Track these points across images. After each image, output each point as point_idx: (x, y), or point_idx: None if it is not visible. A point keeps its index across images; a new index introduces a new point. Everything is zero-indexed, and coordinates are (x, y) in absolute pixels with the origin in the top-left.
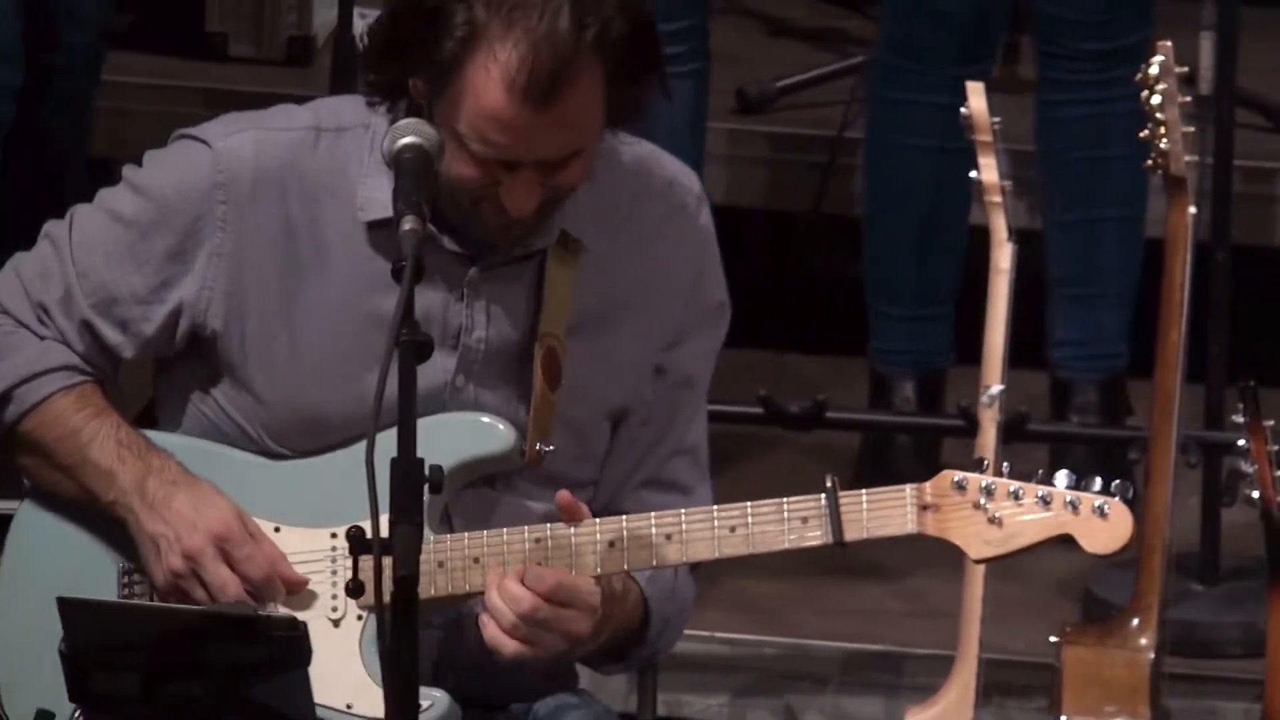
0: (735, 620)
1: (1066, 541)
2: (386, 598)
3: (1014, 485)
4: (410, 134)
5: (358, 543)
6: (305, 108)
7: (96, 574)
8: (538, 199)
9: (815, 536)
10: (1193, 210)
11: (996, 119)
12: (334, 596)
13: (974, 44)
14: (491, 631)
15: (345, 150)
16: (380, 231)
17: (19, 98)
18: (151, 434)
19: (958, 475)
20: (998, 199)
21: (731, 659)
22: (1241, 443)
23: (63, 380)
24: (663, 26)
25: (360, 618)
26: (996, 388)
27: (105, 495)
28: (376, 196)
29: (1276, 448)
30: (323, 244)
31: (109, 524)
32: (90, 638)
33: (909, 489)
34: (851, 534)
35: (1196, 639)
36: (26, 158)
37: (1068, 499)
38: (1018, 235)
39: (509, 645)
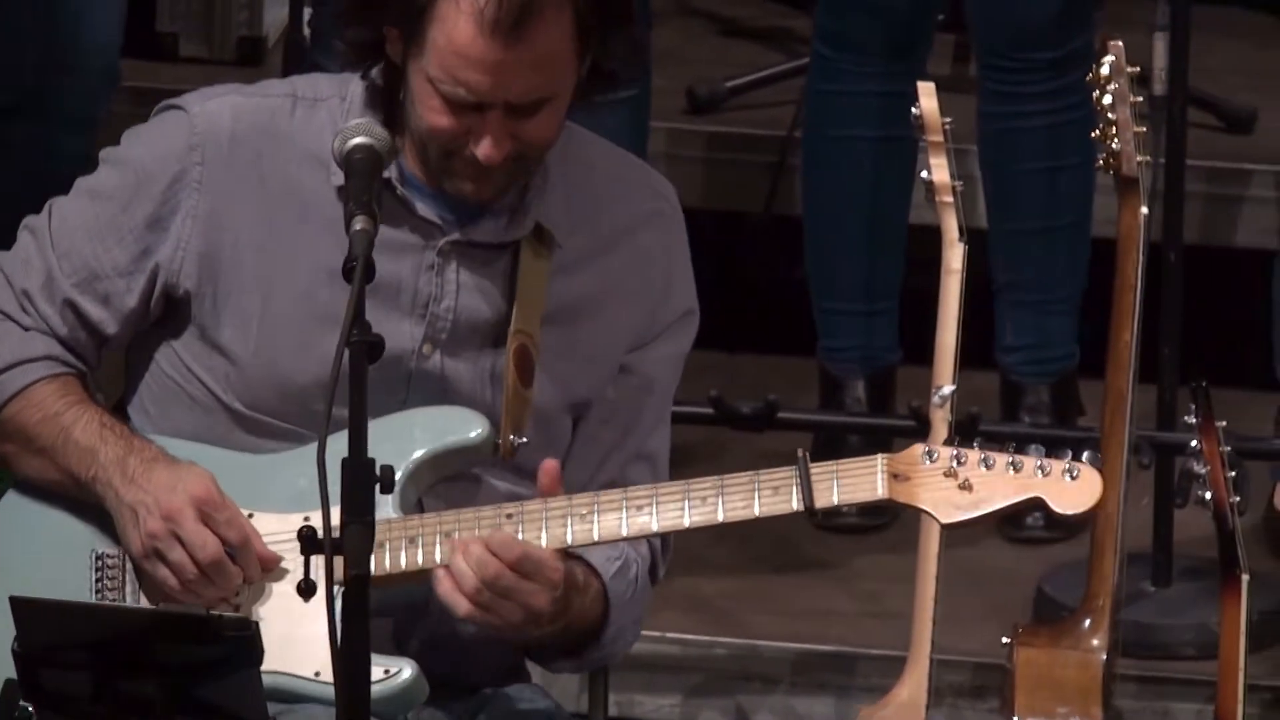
0: (687, 620)
1: (1021, 542)
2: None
3: (984, 454)
4: (360, 135)
5: (308, 542)
6: (283, 80)
7: (70, 560)
8: (507, 148)
9: (786, 503)
10: (1144, 211)
11: (948, 119)
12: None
13: (906, 35)
14: (447, 588)
15: (321, 119)
16: None
17: (27, 123)
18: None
19: (928, 447)
20: (949, 199)
21: (683, 659)
22: (1194, 443)
23: (45, 370)
24: None
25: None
26: (948, 388)
27: (86, 473)
28: None
29: (1228, 448)
30: (298, 205)
31: (85, 511)
32: (43, 637)
33: (880, 457)
34: (822, 500)
35: (1149, 640)
36: (32, 180)
37: (1038, 464)
38: (968, 235)
39: (463, 606)
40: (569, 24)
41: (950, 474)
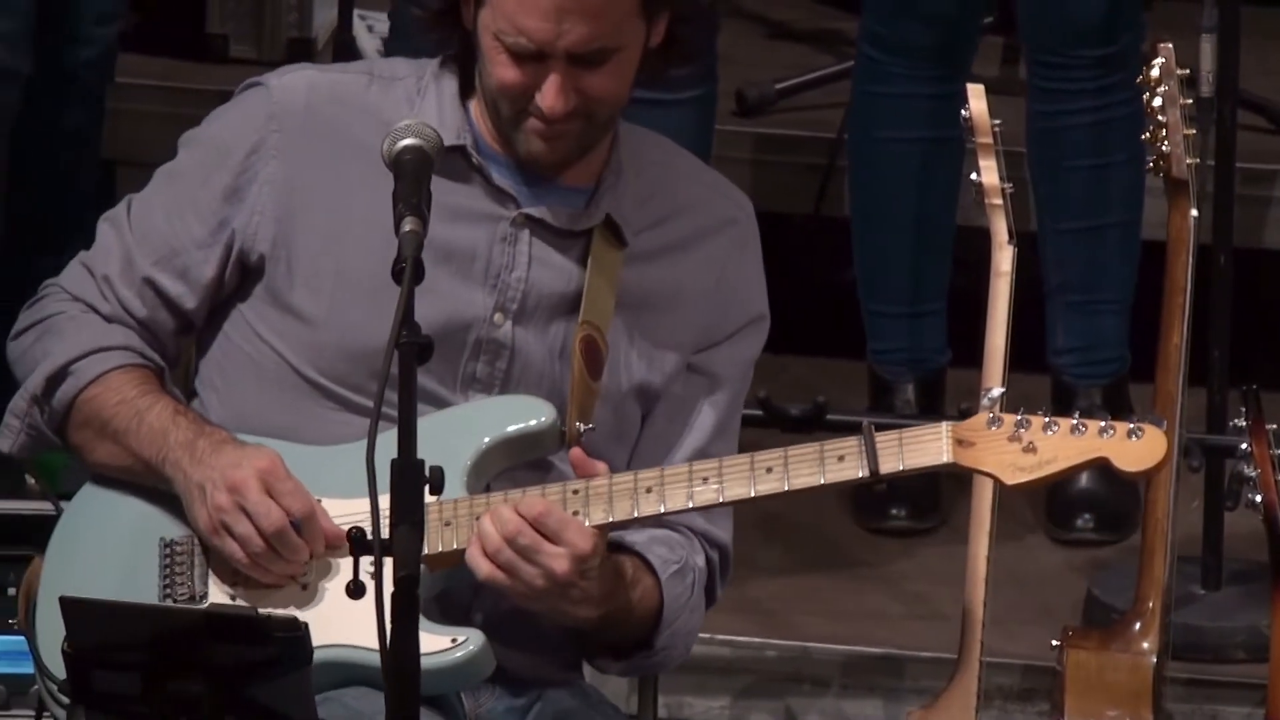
0: (736, 622)
1: (1071, 544)
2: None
3: (1049, 419)
4: (410, 135)
5: (358, 544)
6: (362, 61)
7: (141, 551)
8: (573, 101)
9: (851, 470)
10: (1194, 213)
11: (997, 121)
12: (373, 562)
13: (953, 37)
14: (473, 551)
15: (397, 95)
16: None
17: (35, 92)
18: None
19: (994, 414)
20: (998, 201)
21: (733, 661)
22: (1244, 446)
23: (123, 358)
24: None
25: None
26: (997, 390)
27: (156, 455)
28: None
29: (1279, 451)
30: (372, 172)
31: (155, 501)
32: (93, 637)
33: (945, 424)
34: (887, 466)
35: (1199, 643)
36: (44, 153)
37: (1101, 426)
38: (1018, 238)
39: (485, 566)
40: None
41: (1014, 438)
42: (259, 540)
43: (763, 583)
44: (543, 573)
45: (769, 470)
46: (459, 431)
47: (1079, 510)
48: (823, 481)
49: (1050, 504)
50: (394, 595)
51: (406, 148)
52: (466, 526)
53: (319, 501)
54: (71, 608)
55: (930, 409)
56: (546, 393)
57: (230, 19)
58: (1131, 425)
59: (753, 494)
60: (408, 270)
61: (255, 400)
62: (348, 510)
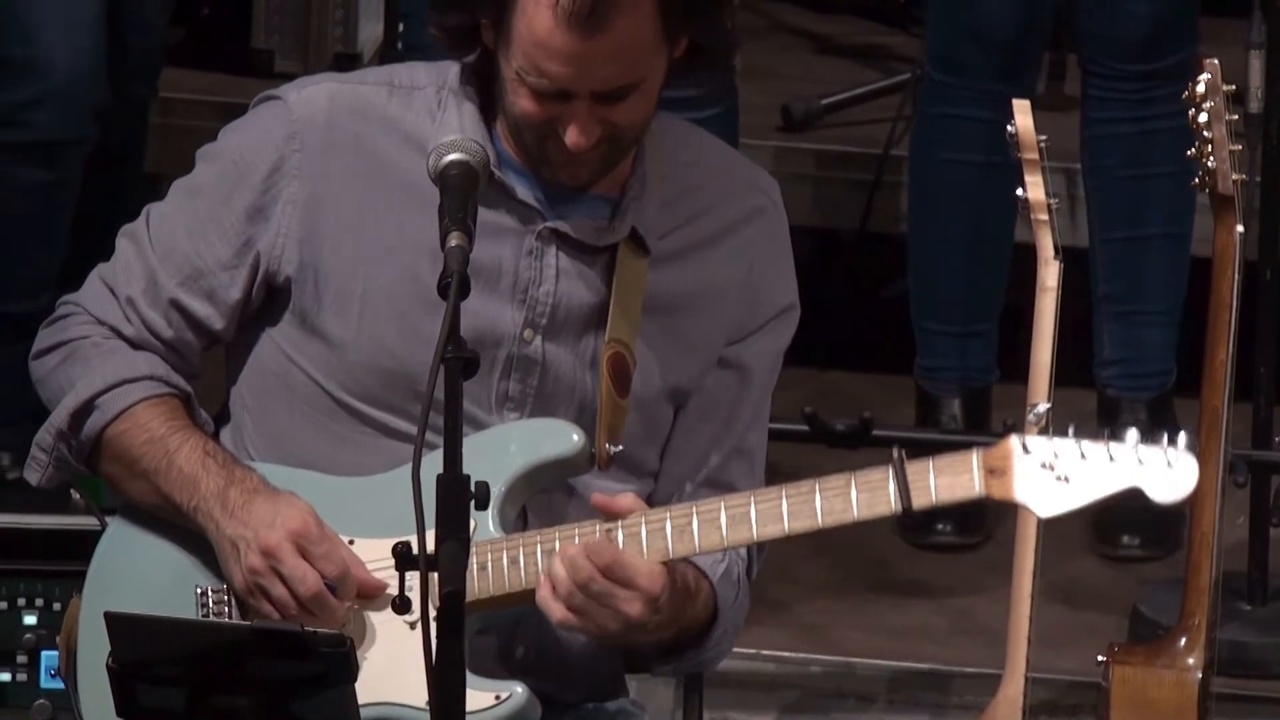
0: (781, 637)
1: (1116, 560)
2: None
3: (1081, 444)
4: (456, 151)
5: (404, 559)
6: (383, 69)
7: (176, 596)
8: (597, 134)
9: (884, 506)
10: (1240, 229)
11: (1043, 137)
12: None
13: (1015, 60)
14: (544, 593)
15: (418, 105)
16: None
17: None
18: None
19: (1024, 439)
20: (1044, 216)
21: (777, 676)
22: None
23: (148, 389)
24: None
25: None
26: (1043, 405)
27: (188, 502)
28: None
29: None
30: (397, 187)
31: (189, 543)
32: (137, 652)
33: (975, 452)
34: (919, 500)
35: (1244, 659)
36: (91, 167)
37: (1134, 452)
38: (1064, 253)
39: (558, 610)
40: (650, 10)
41: (1047, 466)
42: (294, 604)
43: (808, 598)
44: (616, 615)
45: (802, 507)
46: (488, 460)
47: (1125, 526)
48: (855, 518)
49: (1096, 520)
50: (440, 612)
51: (452, 163)
52: (502, 571)
53: (353, 543)
54: (117, 623)
55: (976, 425)
56: (577, 405)
57: (276, 33)
58: (1164, 452)
59: (786, 531)
60: (454, 285)
61: (287, 421)
62: (380, 553)
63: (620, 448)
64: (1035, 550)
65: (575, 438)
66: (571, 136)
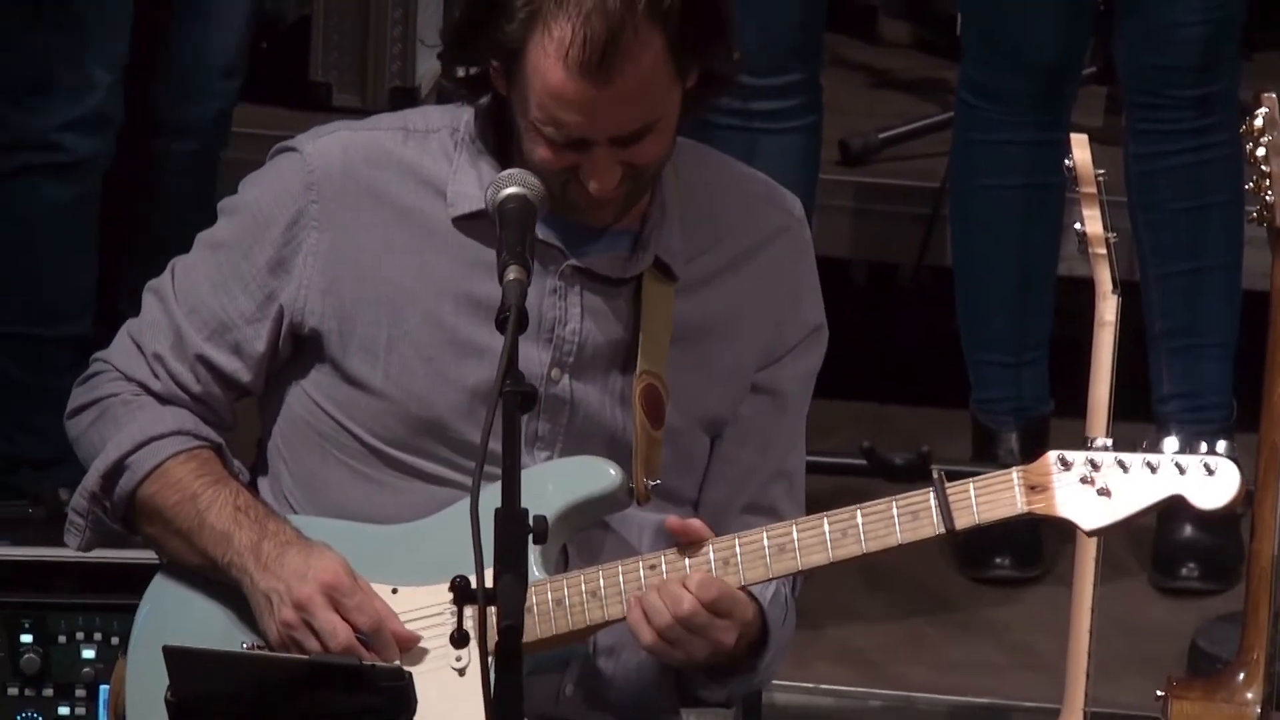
0: (840, 672)
1: (1175, 594)
2: (490, 649)
3: (1120, 455)
4: (514, 184)
5: (462, 593)
6: (396, 114)
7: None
8: (618, 176)
9: (927, 528)
10: None
11: (1101, 170)
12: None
13: (1053, 85)
14: (636, 617)
15: (433, 149)
16: (471, 222)
17: (143, 156)
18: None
19: (1063, 453)
20: (1102, 251)
21: (836, 711)
22: None
23: (178, 445)
24: (773, 80)
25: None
26: (1101, 440)
27: (222, 558)
28: (465, 191)
29: None
30: (416, 231)
31: (232, 599)
32: (197, 687)
33: (1015, 471)
34: (962, 521)
35: None
36: (144, 219)
37: (1174, 462)
38: (1122, 287)
39: (648, 637)
40: (660, 48)
41: (1087, 480)
42: None
43: (866, 632)
44: (709, 644)
45: (844, 534)
46: (527, 502)
47: (1184, 559)
48: (899, 542)
49: (1155, 553)
50: (498, 645)
51: (510, 196)
52: (548, 612)
53: (396, 591)
54: (176, 657)
55: (1033, 459)
56: (608, 441)
57: (334, 68)
58: (1204, 459)
59: (830, 560)
60: (512, 318)
61: (322, 469)
62: (424, 601)
63: (658, 481)
64: (1094, 584)
65: (613, 473)
66: (595, 185)
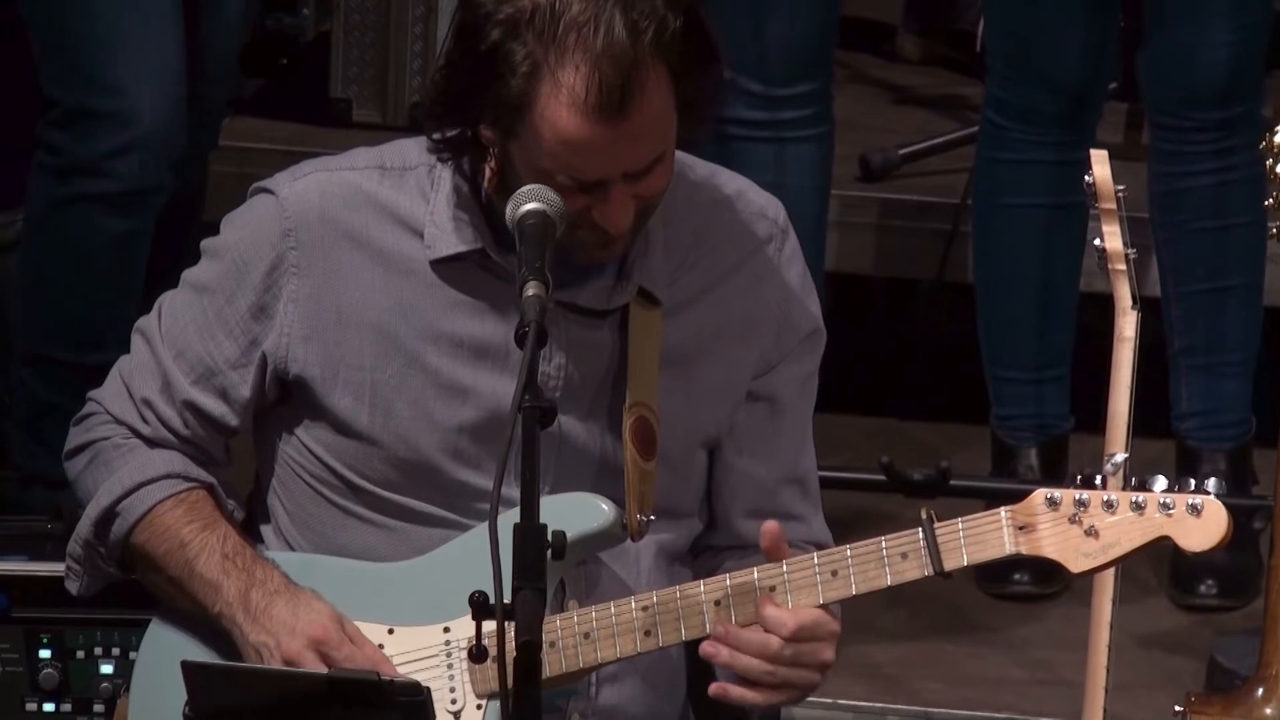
0: (859, 687)
1: (1194, 609)
2: (509, 664)
3: (1107, 495)
4: (534, 200)
5: (480, 608)
6: (373, 149)
7: None
8: (632, 210)
9: (916, 570)
10: None
11: (1121, 186)
12: (452, 690)
13: (1077, 104)
14: (737, 693)
15: (409, 188)
16: (448, 266)
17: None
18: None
19: (1050, 492)
20: (1122, 267)
21: None
22: None
23: (167, 489)
24: (786, 90)
25: (480, 707)
26: (1120, 455)
27: (212, 607)
28: (443, 235)
29: None
30: (395, 273)
31: (220, 645)
32: (215, 702)
33: (1003, 511)
34: (951, 563)
35: None
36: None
37: (1161, 501)
38: (1142, 303)
39: (755, 697)
40: (666, 81)
41: (1075, 520)
42: None
43: (885, 648)
44: (816, 667)
45: (834, 574)
46: None
47: (1202, 576)
48: (889, 583)
49: (1173, 569)
50: (516, 661)
51: (529, 212)
52: (543, 656)
53: (393, 632)
54: (194, 672)
55: (1053, 475)
56: (599, 474)
57: (354, 84)
58: (1192, 499)
59: (820, 601)
60: (531, 334)
61: (315, 509)
62: (421, 642)
63: (652, 517)
64: (1113, 600)
65: (605, 508)
66: (613, 223)
